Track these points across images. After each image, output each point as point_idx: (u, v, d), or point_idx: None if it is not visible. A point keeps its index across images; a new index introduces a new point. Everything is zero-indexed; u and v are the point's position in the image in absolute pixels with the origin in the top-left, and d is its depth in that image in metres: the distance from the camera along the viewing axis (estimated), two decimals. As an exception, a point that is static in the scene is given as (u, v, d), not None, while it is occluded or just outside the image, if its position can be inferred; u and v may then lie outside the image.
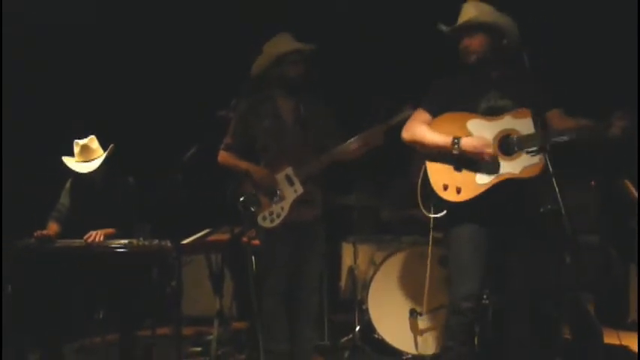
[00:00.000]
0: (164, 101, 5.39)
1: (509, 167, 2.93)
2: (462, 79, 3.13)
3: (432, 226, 3.89)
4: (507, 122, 2.97)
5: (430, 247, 3.88)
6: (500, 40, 3.05)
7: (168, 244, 3.72)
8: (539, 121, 2.88)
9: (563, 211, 2.53)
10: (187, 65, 5.30)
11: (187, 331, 4.58)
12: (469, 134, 3.00)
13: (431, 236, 3.92)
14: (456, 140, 2.95)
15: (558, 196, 2.55)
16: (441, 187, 3.01)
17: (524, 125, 2.92)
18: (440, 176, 3.03)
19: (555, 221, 2.60)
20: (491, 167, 2.94)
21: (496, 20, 3.06)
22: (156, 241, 3.74)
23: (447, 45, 3.25)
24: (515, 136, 2.94)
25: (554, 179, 2.60)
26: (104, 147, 4.07)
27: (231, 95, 3.62)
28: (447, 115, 3.08)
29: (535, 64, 2.83)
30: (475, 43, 3.05)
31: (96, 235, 3.78)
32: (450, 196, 2.99)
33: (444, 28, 3.11)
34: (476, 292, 2.97)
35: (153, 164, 4.63)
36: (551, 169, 2.65)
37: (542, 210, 2.76)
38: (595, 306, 4.57)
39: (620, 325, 4.68)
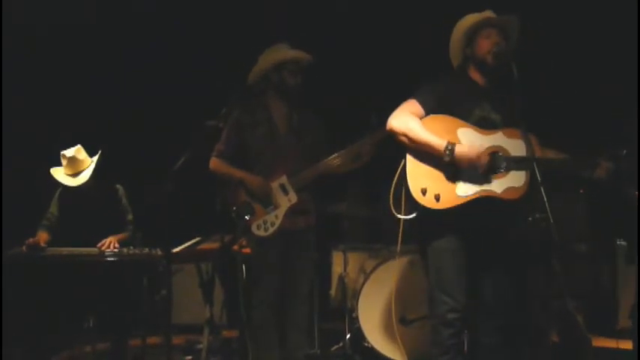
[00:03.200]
0: (154, 109, 5.38)
1: (492, 185, 2.88)
2: (461, 83, 3.08)
3: (401, 228, 3.86)
4: (499, 139, 2.92)
5: (398, 248, 3.80)
6: (509, 48, 3.02)
7: (159, 252, 3.72)
8: (529, 144, 2.84)
9: (551, 220, 2.53)
10: (177, 74, 5.30)
11: (177, 339, 4.57)
12: (458, 142, 2.92)
13: (399, 239, 3.88)
14: (450, 146, 2.85)
15: (547, 205, 2.56)
16: (419, 191, 2.89)
17: (514, 145, 2.88)
18: (419, 179, 2.92)
19: (543, 230, 2.60)
20: (474, 180, 2.89)
21: (518, 27, 3.05)
22: (146, 250, 3.75)
23: (436, 55, 3.27)
24: (503, 155, 2.90)
25: (542, 188, 2.61)
26: (92, 154, 4.07)
27: (221, 104, 3.62)
28: (439, 117, 2.97)
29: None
30: (503, 42, 2.99)
31: (110, 243, 3.79)
32: (427, 202, 2.88)
33: (489, 14, 3.01)
34: (462, 303, 2.93)
35: (142, 172, 4.63)
36: (539, 178, 2.65)
37: (530, 219, 2.76)
38: (584, 313, 4.60)
39: (609, 333, 4.72)
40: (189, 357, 4.21)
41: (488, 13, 3.03)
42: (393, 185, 3.03)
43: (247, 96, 3.70)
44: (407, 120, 2.94)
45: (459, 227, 2.92)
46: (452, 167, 2.91)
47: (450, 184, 2.91)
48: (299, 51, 3.64)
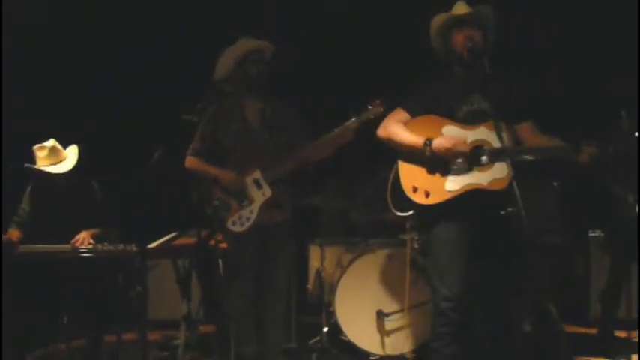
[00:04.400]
0: (129, 104, 5.33)
1: (478, 178, 2.96)
2: (446, 81, 3.13)
3: (408, 226, 3.95)
4: (481, 133, 2.99)
5: (408, 248, 3.90)
6: (487, 39, 3.08)
7: (134, 248, 3.69)
8: (508, 135, 2.91)
9: (522, 214, 2.57)
10: (153, 68, 5.25)
11: (154, 335, 4.55)
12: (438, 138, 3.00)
13: (408, 236, 3.96)
14: (427, 142, 2.97)
15: (518, 199, 2.59)
16: (411, 189, 3.04)
17: (496, 138, 2.92)
18: (410, 178, 3.06)
19: (516, 223, 2.64)
20: (460, 175, 2.97)
21: (493, 17, 3.08)
22: (121, 246, 3.72)
23: (414, 44, 3.29)
24: (486, 148, 2.96)
25: (514, 183, 2.65)
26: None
27: (197, 99, 3.61)
28: (423, 118, 3.08)
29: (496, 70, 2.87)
30: (477, 35, 3.03)
31: (83, 239, 3.75)
32: (419, 198, 3.02)
33: (465, 11, 3.05)
34: (457, 292, 2.98)
35: (118, 168, 4.59)
36: (511, 172, 2.69)
37: (502, 213, 2.80)
38: (557, 303, 4.67)
39: (582, 322, 4.81)
40: (166, 353, 4.20)
41: (459, 9, 3.06)
42: (389, 185, 3.15)
43: (219, 92, 3.69)
44: (389, 126, 3.12)
45: (456, 217, 3.00)
46: (440, 164, 3.00)
47: (438, 181, 3.01)
48: (258, 41, 3.63)
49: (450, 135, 3.00)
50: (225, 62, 3.63)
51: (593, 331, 4.37)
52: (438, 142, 2.96)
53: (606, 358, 3.90)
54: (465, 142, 2.97)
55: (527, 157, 2.97)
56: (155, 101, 5.17)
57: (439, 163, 3.01)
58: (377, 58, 5.23)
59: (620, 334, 3.94)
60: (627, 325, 3.66)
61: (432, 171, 3.02)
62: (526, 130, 3.09)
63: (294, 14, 5.22)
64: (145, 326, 3.63)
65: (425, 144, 2.97)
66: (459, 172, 2.98)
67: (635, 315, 3.77)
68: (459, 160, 2.98)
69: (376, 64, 5.21)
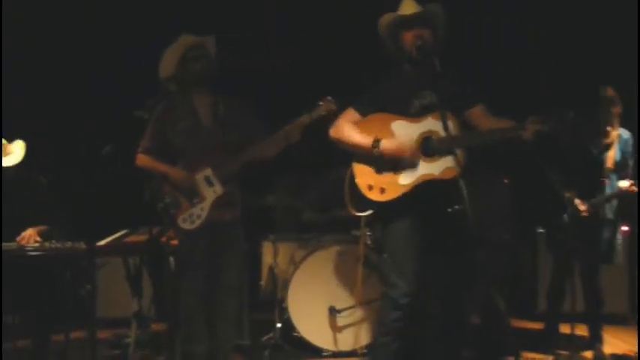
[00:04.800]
0: (79, 99, 5.23)
1: (430, 168, 3.00)
2: (397, 79, 3.16)
3: (362, 224, 3.98)
4: (429, 124, 3.02)
5: (361, 244, 3.93)
6: (437, 37, 3.11)
7: (82, 245, 3.63)
8: (457, 123, 2.95)
9: (468, 211, 2.61)
10: (103, 62, 5.16)
11: (105, 333, 4.49)
12: (392, 135, 3.04)
13: (362, 235, 3.99)
14: (376, 142, 3.00)
15: (465, 196, 2.64)
16: (366, 187, 3.06)
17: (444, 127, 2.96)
18: (365, 176, 3.08)
19: (462, 220, 2.68)
20: (412, 168, 3.00)
21: (443, 15, 3.12)
22: (69, 243, 3.65)
23: (364, 43, 3.31)
24: (435, 138, 3.00)
25: (460, 180, 2.69)
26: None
27: (149, 94, 3.56)
28: (374, 116, 3.11)
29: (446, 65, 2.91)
30: (426, 34, 3.05)
31: (30, 236, 3.66)
32: (375, 195, 3.05)
33: (412, 10, 3.06)
34: (413, 288, 3.01)
35: (66, 163, 4.50)
36: (458, 170, 2.73)
37: (449, 210, 2.84)
38: (505, 298, 4.78)
39: (528, 316, 4.94)
40: (117, 351, 4.14)
41: (408, 9, 3.08)
42: (346, 185, 3.17)
43: (168, 90, 3.66)
44: (340, 127, 3.14)
45: (410, 213, 3.03)
46: (391, 160, 3.03)
47: (392, 176, 3.04)
48: (196, 37, 3.61)
49: (399, 130, 3.03)
50: (167, 61, 3.61)
51: (540, 326, 4.49)
52: (385, 143, 3.00)
53: (551, 354, 4.00)
54: (411, 141, 3.00)
55: (476, 141, 2.99)
56: (106, 97, 5.09)
57: (390, 160, 3.03)
58: (333, 57, 5.24)
59: (566, 329, 4.03)
60: (572, 319, 3.75)
61: (383, 169, 3.05)
62: (477, 114, 3.11)
63: (254, 9, 5.19)
64: (93, 325, 3.57)
65: (373, 144, 3.00)
66: (411, 166, 3.01)
67: (579, 309, 3.88)
68: (409, 159, 3.00)
69: (332, 63, 5.22)
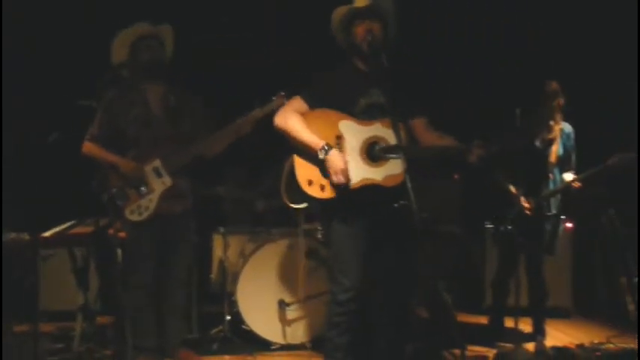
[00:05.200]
0: (23, 86, 5.06)
1: (373, 173, 3.00)
2: (345, 74, 3.14)
3: (300, 218, 4.00)
4: (377, 129, 3.03)
5: (300, 238, 3.96)
6: (387, 33, 3.11)
7: (26, 237, 3.54)
8: (404, 132, 2.98)
9: (414, 206, 2.64)
10: (49, 49, 5.01)
11: (49, 327, 4.39)
12: (340, 134, 3.03)
13: (300, 227, 4.01)
14: (326, 148, 2.97)
15: (410, 192, 2.67)
16: (306, 182, 3.02)
17: (392, 135, 2.97)
18: (306, 171, 3.04)
19: (408, 215, 2.71)
20: (358, 170, 2.99)
21: (394, 11, 3.12)
22: (12, 235, 3.57)
23: (319, 39, 3.31)
24: (381, 145, 3.01)
25: (407, 176, 2.72)
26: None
27: (95, 83, 3.49)
28: (321, 111, 3.08)
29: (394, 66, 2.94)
30: (377, 28, 3.05)
31: None
32: (314, 191, 3.02)
33: (365, 3, 3.06)
34: (357, 283, 3.03)
35: (9, 152, 4.37)
36: (404, 166, 2.76)
37: (395, 205, 2.87)
38: (453, 292, 4.86)
39: (476, 310, 5.03)
40: (61, 345, 4.05)
41: (360, 1, 3.09)
42: (284, 177, 3.19)
43: (119, 77, 3.59)
44: (287, 117, 3.08)
45: (354, 210, 3.02)
46: None
47: None
48: (150, 26, 3.56)
49: (347, 131, 3.02)
50: (118, 48, 3.55)
51: (487, 319, 4.58)
52: (333, 157, 2.96)
53: (495, 347, 4.09)
54: (357, 146, 3.00)
55: (420, 156, 3.05)
56: (51, 85, 4.96)
57: None
58: (287, 51, 5.22)
59: (510, 322, 4.13)
60: (517, 312, 3.84)
61: (324, 170, 3.01)
62: (420, 126, 3.16)
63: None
64: (36, 317, 3.48)
65: (323, 148, 2.97)
66: (355, 167, 3.00)
67: (523, 303, 3.97)
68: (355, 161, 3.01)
69: (286, 57, 5.20)
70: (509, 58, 5.10)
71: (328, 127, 3.04)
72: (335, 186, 2.99)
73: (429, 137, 3.13)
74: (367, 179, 3.01)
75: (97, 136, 3.59)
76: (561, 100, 4.00)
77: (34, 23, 5.00)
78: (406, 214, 2.70)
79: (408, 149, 2.97)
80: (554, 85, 3.99)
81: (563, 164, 4.11)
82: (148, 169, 3.49)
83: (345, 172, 2.97)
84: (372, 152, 3.02)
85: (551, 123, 4.03)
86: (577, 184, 3.96)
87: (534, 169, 4.06)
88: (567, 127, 4.11)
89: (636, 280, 4.57)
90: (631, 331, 4.34)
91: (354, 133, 3.04)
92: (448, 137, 3.10)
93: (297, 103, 3.12)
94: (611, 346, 4.11)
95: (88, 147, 3.60)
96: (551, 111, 4.01)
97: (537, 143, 4.06)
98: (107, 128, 3.58)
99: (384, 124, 3.01)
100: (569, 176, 4.08)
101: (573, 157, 4.14)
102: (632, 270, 4.65)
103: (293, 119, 3.06)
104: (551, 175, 4.07)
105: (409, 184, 2.68)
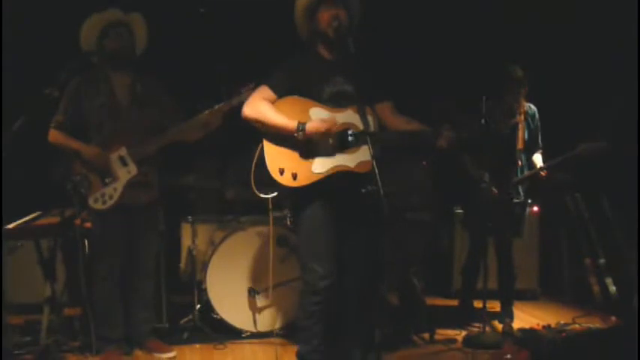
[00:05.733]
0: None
1: (345, 160, 3.00)
2: (310, 62, 3.12)
3: (270, 207, 3.99)
4: (348, 116, 3.02)
5: (271, 227, 3.95)
6: (352, 20, 3.10)
7: (-10, 229, 3.48)
8: (374, 118, 3.00)
9: (381, 192, 2.65)
10: (11, 38, 4.90)
11: (16, 319, 4.32)
12: (310, 121, 3.00)
13: (270, 216, 4.00)
14: (301, 126, 2.93)
15: (378, 179, 2.67)
16: (277, 171, 2.98)
17: (361, 121, 2.96)
18: (276, 160, 3.00)
19: (376, 201, 2.72)
20: (327, 157, 2.99)
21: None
22: (-25, 227, 3.49)
23: (288, 26, 3.28)
24: (352, 131, 3.01)
25: (374, 162, 2.73)
26: None
27: (59, 71, 3.42)
28: (290, 99, 3.05)
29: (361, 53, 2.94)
30: (342, 14, 3.03)
31: None
32: (285, 180, 2.98)
33: None
34: (331, 271, 3.03)
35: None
36: (371, 152, 2.76)
37: (363, 191, 2.87)
38: (423, 277, 4.91)
39: (445, 294, 5.09)
40: (28, 338, 4.00)
41: None
42: (253, 166, 3.12)
43: (87, 64, 3.53)
44: (258, 106, 3.03)
45: (325, 197, 3.01)
46: (306, 146, 2.99)
47: (305, 163, 3.00)
48: (119, 13, 3.51)
49: (319, 117, 3.00)
50: (87, 34, 3.49)
51: (455, 303, 4.64)
52: (311, 125, 2.94)
53: (464, 330, 4.15)
54: (336, 125, 2.98)
55: (391, 141, 3.06)
56: (12, 73, 4.85)
57: (306, 146, 2.99)
58: (255, 40, 5.17)
59: (478, 304, 4.19)
60: (484, 295, 3.90)
61: (299, 153, 3.00)
62: (386, 111, 3.16)
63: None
64: (1, 310, 3.43)
65: (298, 127, 2.93)
66: (325, 155, 3.00)
67: (491, 286, 4.03)
68: (330, 142, 2.99)
69: (254, 46, 5.16)
70: (474, 45, 5.13)
71: (298, 114, 3.01)
72: (334, 137, 2.97)
73: (396, 122, 3.14)
74: (339, 166, 3.00)
75: (63, 123, 3.54)
76: (526, 88, 4.06)
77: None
78: (374, 199, 2.69)
79: (378, 135, 2.98)
80: (518, 71, 4.04)
81: (531, 146, 4.17)
82: (114, 156, 3.46)
83: (332, 121, 2.95)
84: (343, 139, 3.01)
85: (516, 107, 4.09)
86: (544, 173, 4.02)
87: (501, 156, 4.11)
88: (531, 108, 4.17)
89: (601, 261, 4.69)
90: (596, 311, 4.45)
91: (329, 120, 3.01)
92: (415, 122, 3.12)
93: (265, 92, 3.07)
94: (577, 326, 4.19)
95: (54, 135, 3.55)
96: (516, 97, 4.07)
97: (504, 129, 4.12)
98: (72, 115, 3.53)
99: (354, 111, 3.01)
100: (538, 158, 4.15)
101: (539, 137, 4.21)
102: (596, 252, 4.76)
103: (263, 106, 3.02)
104: (519, 162, 4.12)
105: (376, 170, 2.68)
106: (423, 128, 3.07)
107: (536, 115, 4.18)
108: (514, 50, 4.67)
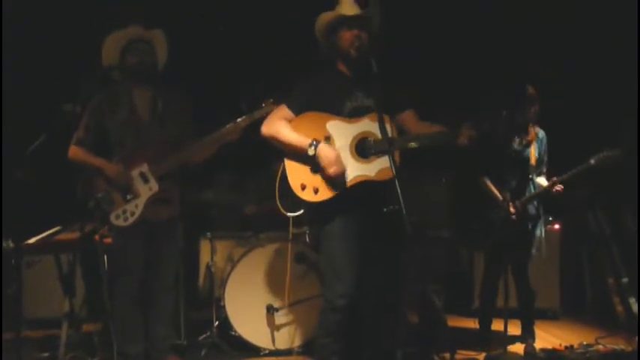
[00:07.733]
0: (5, 92, 5.00)
1: (365, 170, 3.00)
2: (329, 78, 3.14)
3: (291, 223, 3.97)
4: (365, 125, 3.03)
5: (289, 244, 3.93)
6: (372, 38, 3.10)
7: (10, 244, 3.48)
8: (394, 125, 2.99)
9: (403, 211, 2.62)
10: (31, 54, 4.95)
11: (35, 334, 4.34)
12: (328, 135, 3.03)
13: (290, 233, 3.98)
14: (314, 143, 2.97)
15: (400, 196, 2.65)
16: (299, 187, 3.01)
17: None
18: (298, 176, 3.03)
19: (398, 219, 2.69)
20: (350, 169, 2.98)
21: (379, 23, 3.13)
22: (-4, 242, 3.51)
23: (307, 43, 3.29)
24: (372, 140, 3.00)
25: (396, 180, 2.70)
26: None
27: (79, 88, 3.45)
28: (308, 115, 3.08)
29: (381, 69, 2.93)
30: (364, 36, 3.06)
31: None
32: (308, 196, 3.00)
33: (355, 12, 3.06)
34: (351, 288, 3.00)
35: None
36: (394, 170, 2.74)
37: (385, 210, 2.85)
38: (443, 295, 4.86)
39: (466, 313, 5.03)
40: (46, 354, 4.00)
41: (349, 9, 3.08)
42: (277, 184, 3.12)
43: (108, 80, 3.55)
44: (273, 125, 3.09)
45: (347, 212, 3.01)
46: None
47: (326, 177, 3.00)
48: (142, 30, 3.53)
49: (335, 130, 3.02)
50: (109, 50, 3.51)
51: (476, 322, 4.56)
52: (323, 149, 2.95)
53: (484, 351, 4.07)
54: (346, 144, 2.99)
55: (412, 145, 3.01)
56: (33, 90, 4.89)
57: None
58: (275, 56, 5.20)
59: (499, 325, 4.12)
60: (505, 314, 3.83)
61: (317, 169, 3.01)
62: (408, 119, 3.16)
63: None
64: (19, 326, 3.43)
65: (311, 144, 2.96)
66: (347, 166, 2.99)
67: (511, 305, 3.96)
68: (349, 153, 3.00)
69: (274, 62, 5.18)
70: (494, 60, 5.11)
71: (315, 129, 3.03)
72: (331, 180, 2.97)
73: (419, 127, 3.13)
74: (360, 176, 3.00)
75: (83, 140, 3.55)
76: (537, 107, 4.05)
77: (17, 26, 4.94)
78: (396, 218, 2.67)
79: (398, 141, 2.97)
80: (531, 90, 4.04)
81: (538, 168, 4.15)
82: (135, 173, 3.45)
83: (339, 161, 2.96)
84: (363, 148, 3.01)
85: (529, 126, 4.09)
86: (559, 188, 3.97)
87: (516, 173, 4.08)
88: (541, 132, 4.17)
89: (625, 280, 4.61)
90: (619, 331, 4.36)
91: (342, 131, 3.04)
92: (437, 126, 3.10)
93: (283, 111, 3.12)
94: (600, 347, 4.11)
95: (75, 151, 3.56)
96: (528, 115, 4.06)
97: (516, 146, 4.10)
98: (93, 132, 3.54)
99: (371, 119, 3.01)
100: (542, 180, 4.12)
101: (546, 161, 4.19)
102: (619, 270, 4.68)
103: (279, 125, 3.07)
104: (531, 177, 4.10)
105: (399, 189, 2.66)
106: (445, 129, 3.06)
107: (545, 140, 4.17)
108: (530, 64, 4.67)
